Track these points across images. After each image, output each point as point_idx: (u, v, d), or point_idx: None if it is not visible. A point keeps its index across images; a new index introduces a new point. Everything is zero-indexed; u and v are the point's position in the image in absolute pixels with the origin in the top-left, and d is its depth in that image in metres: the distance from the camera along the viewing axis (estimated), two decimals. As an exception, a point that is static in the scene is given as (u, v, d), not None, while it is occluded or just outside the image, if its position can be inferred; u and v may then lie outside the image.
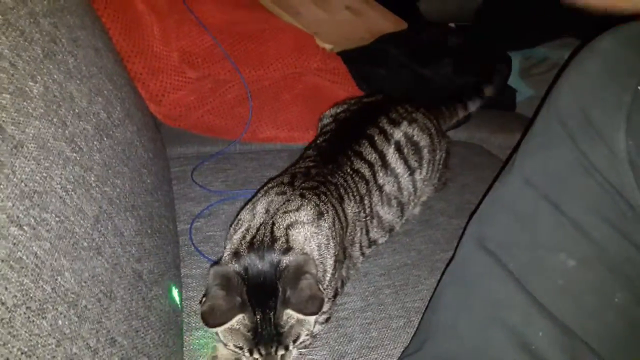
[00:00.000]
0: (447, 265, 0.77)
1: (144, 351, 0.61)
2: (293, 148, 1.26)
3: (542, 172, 0.62)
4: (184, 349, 0.80)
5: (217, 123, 1.24)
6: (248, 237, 0.76)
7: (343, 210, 0.87)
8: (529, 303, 0.58)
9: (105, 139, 0.69)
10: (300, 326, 0.72)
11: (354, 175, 0.92)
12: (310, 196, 0.81)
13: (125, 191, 0.70)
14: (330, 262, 0.80)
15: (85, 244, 0.56)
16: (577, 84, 0.60)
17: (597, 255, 0.55)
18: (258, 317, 0.70)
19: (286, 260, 0.73)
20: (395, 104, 1.06)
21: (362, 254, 0.96)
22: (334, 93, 1.37)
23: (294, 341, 0.73)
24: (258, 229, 0.77)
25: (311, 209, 0.79)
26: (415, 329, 0.85)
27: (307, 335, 0.75)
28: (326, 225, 0.80)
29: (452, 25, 2.05)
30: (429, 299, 0.89)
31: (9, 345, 0.43)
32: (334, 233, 0.81)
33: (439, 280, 0.79)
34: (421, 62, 1.49)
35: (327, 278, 0.80)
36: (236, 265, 0.73)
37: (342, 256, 0.86)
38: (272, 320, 0.70)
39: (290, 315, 0.71)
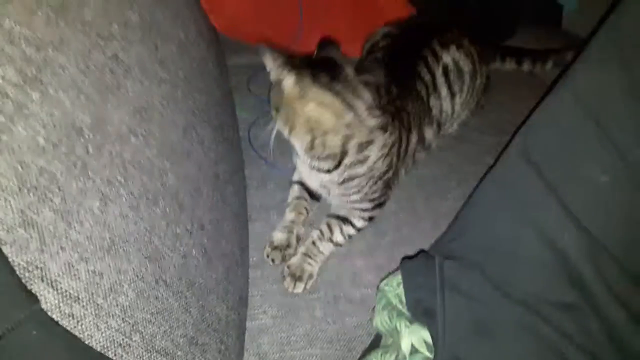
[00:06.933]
0: (487, 171, 0.86)
1: (223, 235, 0.78)
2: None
3: (593, 92, 0.66)
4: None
5: (270, 33, 1.32)
6: None
7: (407, 139, 0.98)
8: (559, 209, 0.66)
9: (185, 57, 0.81)
10: None
11: (417, 100, 1.01)
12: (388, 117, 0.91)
13: (203, 104, 0.83)
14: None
15: (179, 150, 0.70)
16: (638, 11, 0.62)
17: (628, 175, 0.62)
18: None
19: None
20: (445, 27, 1.12)
21: (406, 171, 1.08)
22: (382, 3, 1.41)
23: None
24: None
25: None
26: (441, 230, 0.99)
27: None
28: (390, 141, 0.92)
29: None
30: (456, 206, 1.01)
31: (137, 224, 0.58)
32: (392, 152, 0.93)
33: (478, 183, 0.88)
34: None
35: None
36: None
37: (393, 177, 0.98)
38: None
39: None
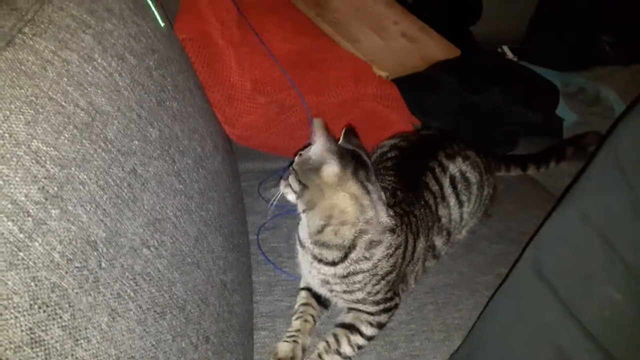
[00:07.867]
0: (500, 284, 0.85)
1: (228, 348, 0.75)
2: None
3: (599, 211, 0.67)
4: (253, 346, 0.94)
5: (281, 143, 1.38)
6: None
7: (414, 244, 0.98)
8: (576, 328, 0.65)
9: (200, 170, 0.84)
10: None
11: (425, 208, 1.03)
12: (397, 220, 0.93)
13: (215, 213, 0.84)
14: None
15: (189, 260, 0.71)
16: (637, 130, 0.65)
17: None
18: None
19: None
20: (450, 139, 1.17)
21: (416, 280, 1.08)
22: (388, 118, 1.47)
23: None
24: None
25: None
26: (454, 344, 0.95)
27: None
28: (395, 243, 0.92)
29: (505, 47, 2.13)
30: (468, 317, 0.99)
31: (144, 339, 0.57)
32: (397, 254, 0.93)
33: (490, 298, 0.88)
34: (472, 90, 1.58)
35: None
36: None
37: (398, 280, 0.97)
38: None
39: None
